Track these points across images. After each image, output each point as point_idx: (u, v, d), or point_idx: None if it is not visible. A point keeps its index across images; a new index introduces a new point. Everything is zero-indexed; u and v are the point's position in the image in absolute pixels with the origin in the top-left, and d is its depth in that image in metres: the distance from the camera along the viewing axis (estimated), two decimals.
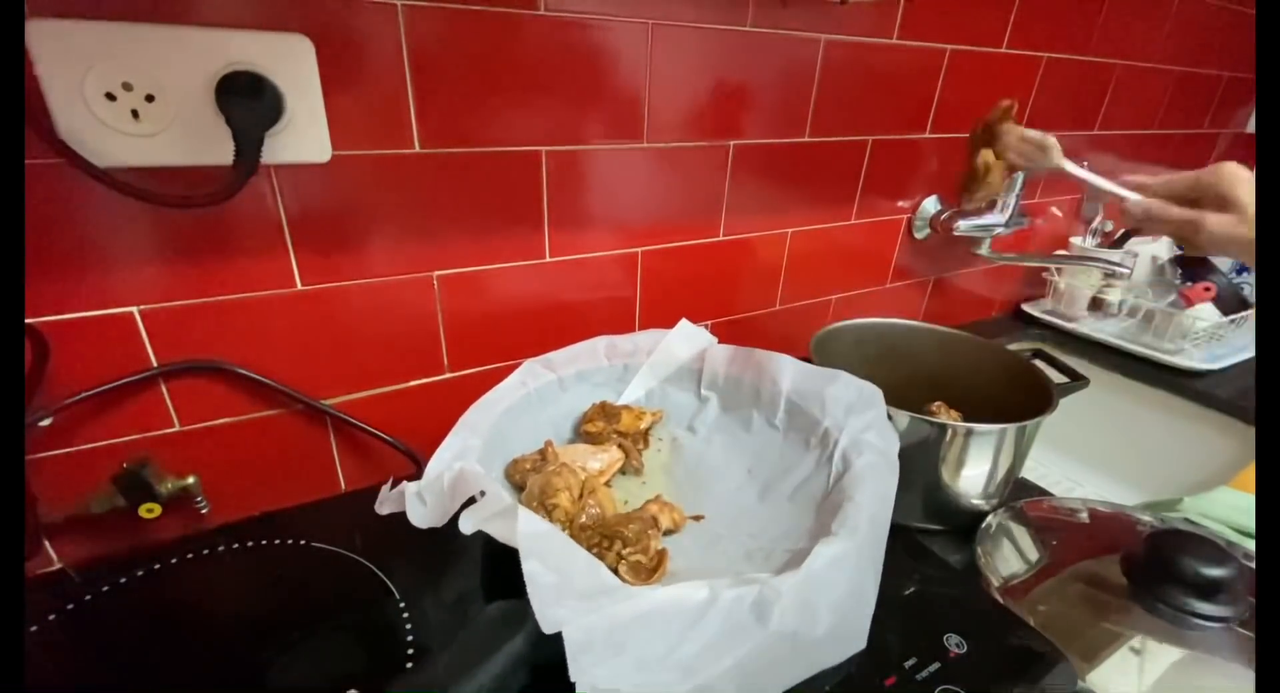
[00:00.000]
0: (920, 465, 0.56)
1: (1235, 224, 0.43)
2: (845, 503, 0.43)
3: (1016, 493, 0.62)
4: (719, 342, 0.63)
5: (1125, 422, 0.95)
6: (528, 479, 0.49)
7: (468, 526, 0.36)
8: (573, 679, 0.30)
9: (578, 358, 0.60)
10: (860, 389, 0.53)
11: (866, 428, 0.50)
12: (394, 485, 0.43)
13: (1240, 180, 0.44)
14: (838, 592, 0.38)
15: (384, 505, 0.43)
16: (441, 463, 0.44)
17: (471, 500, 0.39)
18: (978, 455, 0.55)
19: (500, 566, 0.38)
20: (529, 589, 0.32)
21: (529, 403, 0.55)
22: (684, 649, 0.33)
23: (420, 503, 0.42)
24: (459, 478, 0.41)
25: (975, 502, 0.59)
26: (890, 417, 0.52)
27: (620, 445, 0.56)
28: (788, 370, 0.56)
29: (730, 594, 0.34)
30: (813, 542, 0.40)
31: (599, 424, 0.57)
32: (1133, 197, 0.50)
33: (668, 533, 0.48)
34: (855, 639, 0.40)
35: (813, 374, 0.55)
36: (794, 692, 0.37)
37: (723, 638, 0.34)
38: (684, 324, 0.63)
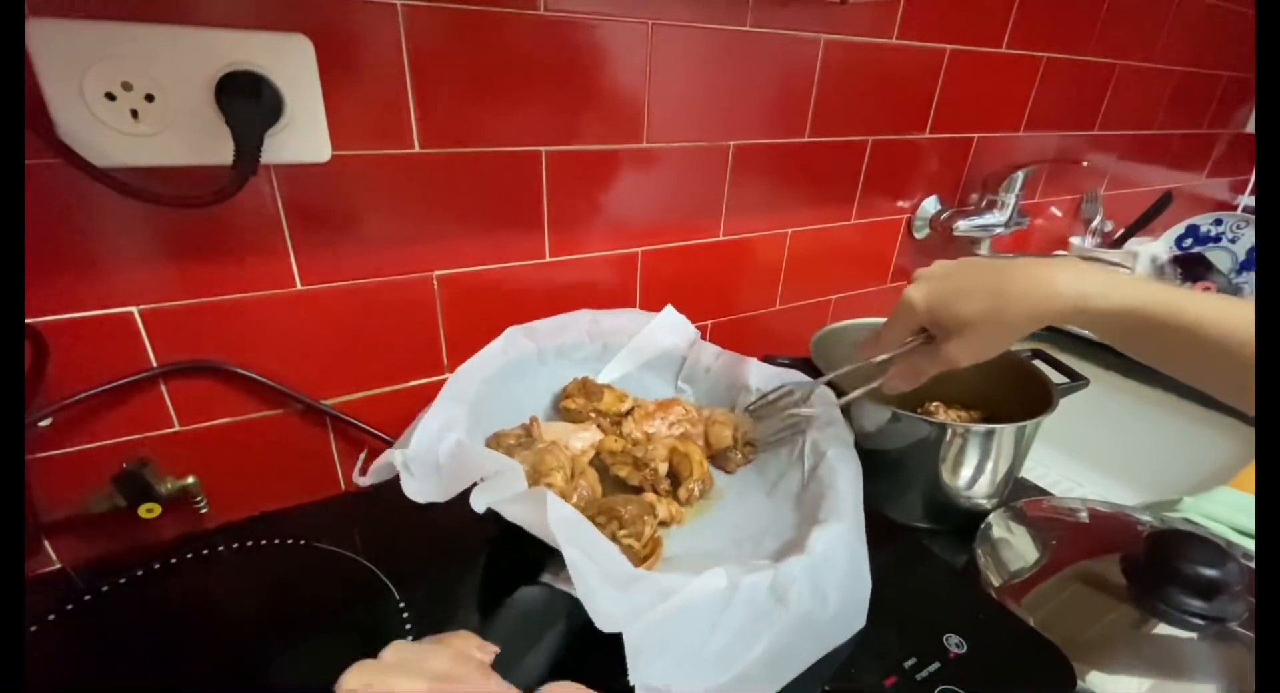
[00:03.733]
0: (920, 465, 0.56)
1: (970, 342, 0.41)
2: (827, 492, 0.44)
3: (1016, 493, 0.62)
4: (719, 343, 0.63)
5: (1125, 422, 0.94)
6: (513, 454, 0.48)
7: (480, 504, 0.35)
8: (632, 683, 0.30)
9: (561, 331, 0.59)
10: (811, 385, 0.55)
11: (827, 422, 0.51)
12: (370, 456, 0.41)
13: (936, 306, 0.41)
14: (840, 572, 0.39)
15: (368, 477, 0.41)
16: (430, 434, 0.42)
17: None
18: (976, 456, 0.55)
19: (507, 545, 0.36)
20: (575, 579, 0.31)
21: (507, 373, 0.55)
22: (716, 639, 0.33)
23: (410, 475, 0.40)
24: (459, 452, 0.40)
25: (975, 501, 0.59)
26: (898, 415, 0.53)
27: (600, 426, 0.56)
28: (754, 371, 0.59)
29: (748, 580, 0.34)
30: (799, 533, 0.40)
31: (579, 401, 0.56)
32: (873, 386, 0.48)
33: (663, 525, 0.48)
34: (857, 618, 0.40)
35: (773, 374, 0.58)
36: (794, 689, 0.37)
37: (751, 624, 0.34)
38: (669, 312, 0.63)
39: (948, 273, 0.42)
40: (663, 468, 0.51)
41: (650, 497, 0.48)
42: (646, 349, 0.62)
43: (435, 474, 0.40)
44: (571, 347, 0.60)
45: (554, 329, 0.59)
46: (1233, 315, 0.34)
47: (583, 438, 0.53)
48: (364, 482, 0.41)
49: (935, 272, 0.43)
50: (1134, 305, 0.36)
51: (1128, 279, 0.37)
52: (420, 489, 0.40)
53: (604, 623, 0.30)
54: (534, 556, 0.37)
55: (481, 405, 0.50)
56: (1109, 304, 0.36)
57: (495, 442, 0.51)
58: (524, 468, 0.46)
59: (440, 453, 0.40)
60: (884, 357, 0.47)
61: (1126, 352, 0.39)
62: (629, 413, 0.57)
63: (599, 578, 0.32)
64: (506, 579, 0.37)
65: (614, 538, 0.42)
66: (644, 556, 0.42)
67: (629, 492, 0.50)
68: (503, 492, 0.36)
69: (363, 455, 0.42)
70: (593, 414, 0.56)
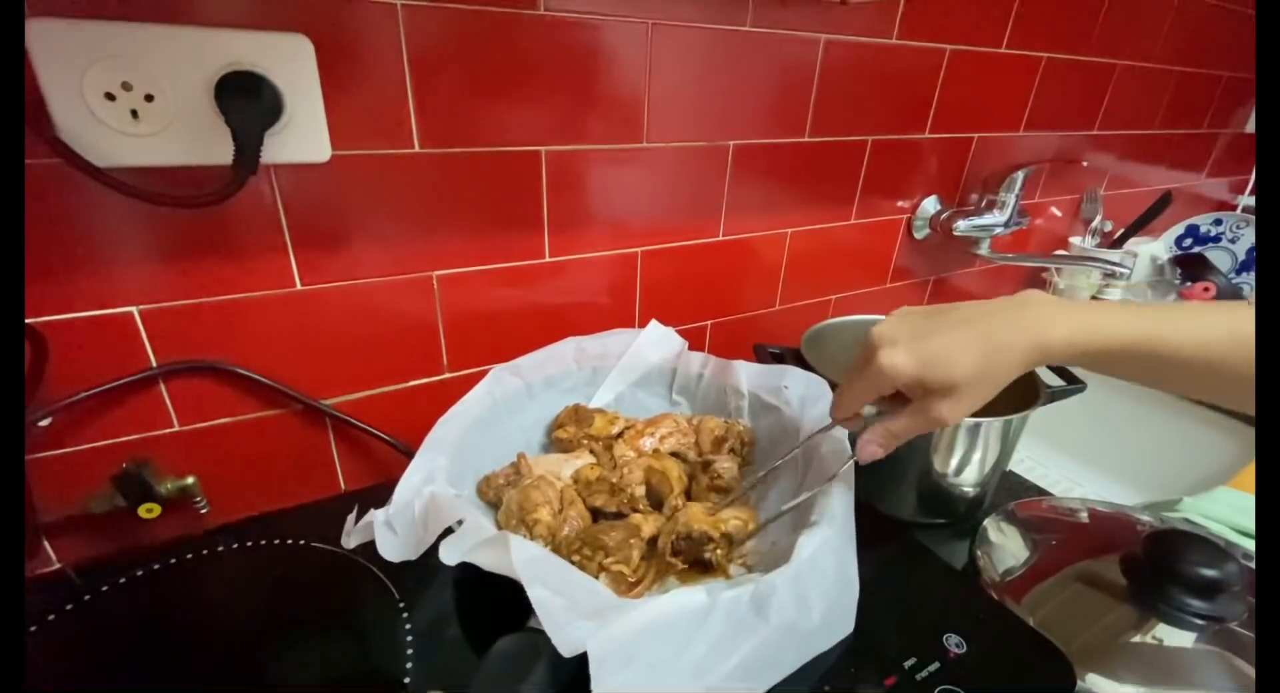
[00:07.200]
0: (911, 458, 0.57)
1: (962, 400, 0.38)
2: (819, 492, 0.44)
3: (1016, 492, 0.62)
4: (719, 343, 0.63)
5: (1125, 422, 0.95)
6: (503, 495, 0.48)
7: (451, 557, 0.35)
8: (595, 691, 0.30)
9: (546, 362, 0.58)
10: (808, 381, 0.54)
11: (823, 417, 0.51)
12: (359, 516, 0.41)
13: (924, 371, 0.37)
14: (827, 580, 0.38)
15: (352, 538, 0.41)
16: (410, 488, 0.42)
17: (450, 529, 0.38)
18: (965, 448, 0.57)
19: (480, 581, 0.36)
20: (541, 617, 0.32)
21: (497, 413, 0.54)
22: (692, 652, 0.33)
23: (390, 532, 0.40)
24: (430, 505, 0.40)
25: (964, 492, 0.60)
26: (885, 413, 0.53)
27: (592, 451, 0.55)
28: (744, 372, 0.59)
29: (728, 595, 0.35)
30: (791, 537, 0.40)
31: (570, 430, 0.56)
32: (856, 450, 0.42)
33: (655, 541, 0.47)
34: (844, 624, 0.40)
35: (767, 372, 0.58)
36: (794, 690, 0.37)
37: (729, 637, 0.34)
38: (654, 326, 0.63)
39: (920, 331, 0.38)
40: (640, 490, 0.49)
41: (636, 518, 0.47)
42: (635, 367, 0.61)
43: (413, 529, 0.40)
44: (559, 376, 0.59)
45: (539, 362, 0.58)
46: (1211, 339, 0.34)
47: (574, 466, 0.52)
48: (350, 544, 0.41)
49: (904, 330, 0.38)
50: (1123, 343, 0.36)
51: (1106, 314, 0.37)
52: (397, 547, 0.39)
53: (566, 649, 0.31)
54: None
55: (470, 450, 0.49)
56: (1095, 345, 0.36)
57: (486, 484, 0.50)
58: (511, 506, 0.46)
59: (416, 508, 0.40)
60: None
61: (1120, 378, 0.38)
62: (620, 435, 0.56)
63: (566, 612, 0.32)
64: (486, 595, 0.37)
65: (603, 568, 0.42)
66: (635, 580, 0.42)
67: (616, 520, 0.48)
68: (468, 540, 0.35)
69: (353, 514, 0.42)
70: (584, 441, 0.55)
